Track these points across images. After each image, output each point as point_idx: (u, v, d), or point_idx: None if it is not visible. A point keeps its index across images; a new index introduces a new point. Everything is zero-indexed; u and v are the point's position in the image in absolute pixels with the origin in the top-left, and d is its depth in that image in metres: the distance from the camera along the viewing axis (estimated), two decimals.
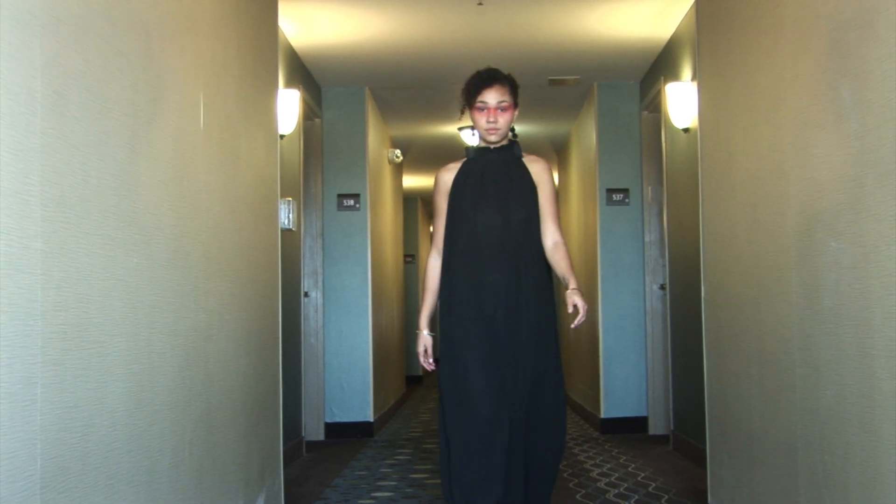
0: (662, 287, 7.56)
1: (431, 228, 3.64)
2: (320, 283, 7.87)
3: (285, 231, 6.48)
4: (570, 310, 3.68)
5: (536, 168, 3.93)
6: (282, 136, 6.40)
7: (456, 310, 3.83)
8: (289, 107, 6.63)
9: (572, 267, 3.87)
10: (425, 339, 3.97)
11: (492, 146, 3.93)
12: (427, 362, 3.97)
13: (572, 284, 3.74)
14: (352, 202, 8.04)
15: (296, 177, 7.06)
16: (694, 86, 5.88)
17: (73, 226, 2.28)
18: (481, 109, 3.84)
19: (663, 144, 7.17)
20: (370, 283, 8.08)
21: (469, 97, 3.88)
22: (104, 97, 2.48)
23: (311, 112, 7.66)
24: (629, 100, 8.07)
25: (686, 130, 6.49)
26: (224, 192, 3.67)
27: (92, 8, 2.42)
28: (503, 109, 3.85)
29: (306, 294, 7.70)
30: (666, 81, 6.88)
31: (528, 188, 3.89)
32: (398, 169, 11.21)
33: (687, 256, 6.37)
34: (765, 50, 3.63)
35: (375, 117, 8.77)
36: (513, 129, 3.96)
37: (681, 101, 6.51)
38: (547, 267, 3.88)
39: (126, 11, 2.65)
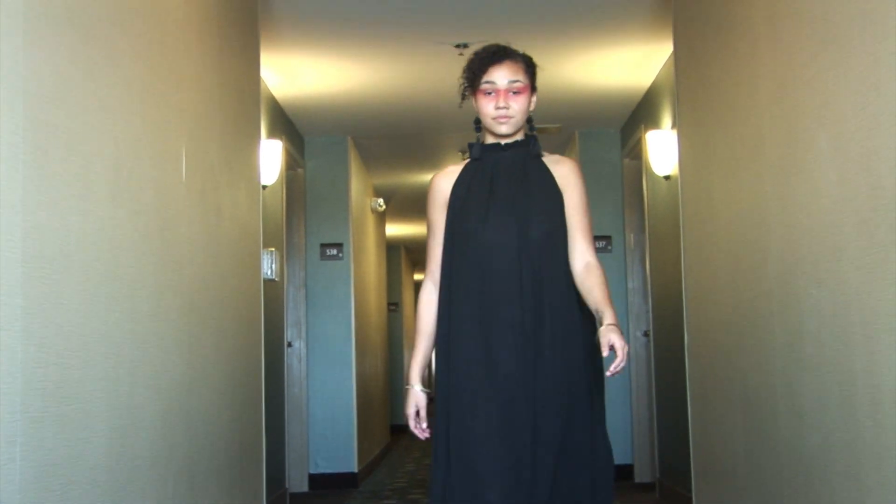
0: (646, 334, 7.57)
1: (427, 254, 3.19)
2: (304, 333, 7.85)
3: (268, 281, 6.46)
4: (606, 352, 2.83)
5: (563, 170, 3.06)
6: (264, 187, 6.41)
7: (458, 364, 2.92)
8: (271, 157, 6.65)
9: (609, 297, 2.95)
10: (417, 396, 3.02)
11: (503, 142, 3.05)
12: (420, 428, 3.01)
13: (608, 319, 2.85)
14: (335, 251, 8.04)
15: (279, 227, 7.06)
16: (674, 133, 5.92)
17: (54, 281, 2.27)
18: (488, 93, 2.99)
19: (645, 191, 7.20)
20: (353, 333, 8.06)
21: (472, 78, 3.04)
22: (86, 152, 2.49)
23: (294, 162, 7.68)
24: (610, 147, 8.12)
25: (667, 178, 6.53)
26: (206, 245, 3.67)
27: (76, 64, 2.43)
28: (517, 92, 3.00)
29: (290, 344, 7.67)
30: (646, 129, 6.94)
31: (552, 195, 3.01)
32: (381, 217, 11.23)
33: (670, 303, 6.38)
34: (743, 98, 3.67)
35: (358, 166, 8.80)
36: (530, 121, 3.08)
37: (661, 149, 6.56)
38: (577, 298, 2.97)
39: (109, 67, 2.66)
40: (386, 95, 6.96)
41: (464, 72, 3.08)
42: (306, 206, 8.01)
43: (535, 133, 3.11)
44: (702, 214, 4.35)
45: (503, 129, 3.01)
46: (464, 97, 3.11)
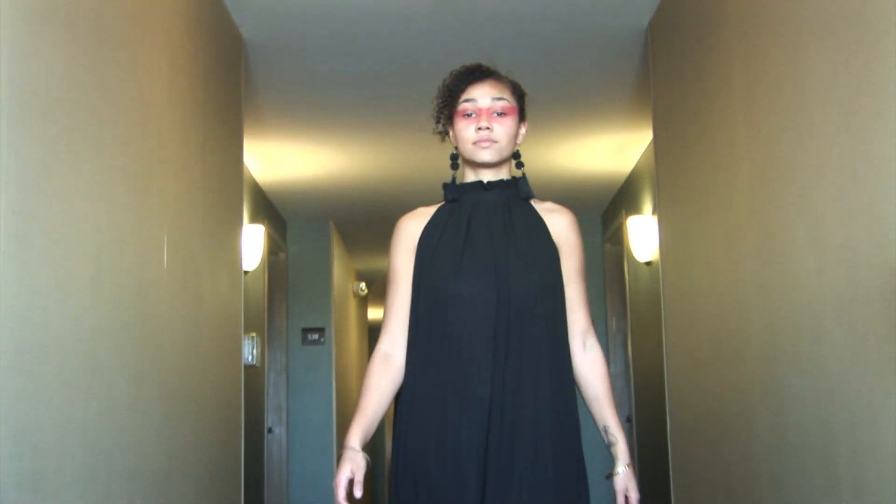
0: (629, 419, 7.53)
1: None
2: (284, 419, 7.78)
3: (249, 367, 6.43)
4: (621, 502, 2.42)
5: (560, 222, 2.56)
6: (246, 272, 6.40)
7: (417, 459, 2.37)
8: (254, 242, 6.66)
9: (614, 404, 2.48)
10: (356, 460, 2.41)
11: (485, 180, 2.53)
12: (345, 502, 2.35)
13: (623, 456, 2.43)
14: (317, 336, 8.01)
15: (260, 311, 7.04)
16: (655, 219, 5.97)
17: (32, 372, 2.25)
18: (467, 114, 2.48)
19: (626, 277, 7.23)
20: (335, 418, 8.00)
21: (448, 99, 2.53)
22: (67, 241, 2.48)
23: (276, 246, 7.68)
24: (592, 232, 8.17)
25: (648, 263, 6.56)
26: (187, 332, 3.65)
27: (59, 155, 2.44)
28: (502, 113, 2.49)
29: (270, 430, 7.60)
30: (627, 215, 6.98)
31: (544, 247, 2.49)
32: (363, 302, 11.21)
33: (652, 389, 6.36)
34: (722, 186, 3.70)
35: (340, 251, 8.81)
36: (518, 157, 2.59)
37: (642, 235, 6.60)
38: (574, 380, 2.47)
39: (93, 157, 2.67)
40: (368, 180, 7.00)
41: (438, 93, 2.58)
42: (288, 290, 8.01)
43: (523, 172, 2.59)
44: (683, 301, 4.36)
45: (485, 156, 2.48)
46: (438, 121, 2.59)
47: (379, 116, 5.79)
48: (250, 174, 6.67)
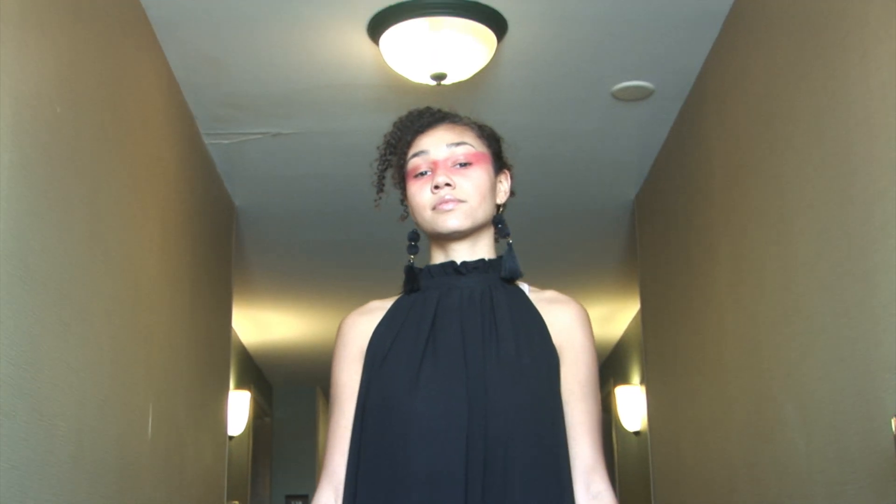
0: None
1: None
2: None
3: None
4: None
5: (564, 316, 1.85)
6: (231, 437, 6.33)
7: None
8: (239, 408, 6.60)
9: None
10: None
11: (458, 261, 1.85)
12: None
13: None
14: (300, 503, 7.87)
15: (244, 477, 6.93)
16: (643, 390, 5.95)
17: None
18: (420, 173, 1.84)
19: (615, 446, 7.16)
20: None
21: (392, 158, 1.93)
22: (50, 413, 2.46)
23: (262, 411, 7.62)
24: None
25: (637, 433, 6.50)
26: None
27: (46, 325, 2.43)
28: (466, 163, 1.83)
29: None
30: (616, 384, 6.96)
31: (538, 348, 1.79)
32: None
33: None
34: (710, 362, 3.71)
35: (327, 417, 8.73)
36: (500, 223, 1.89)
37: (631, 404, 6.56)
38: None
39: (80, 328, 2.67)
40: None
41: (378, 152, 1.94)
42: (273, 455, 7.91)
43: (510, 243, 1.87)
44: (672, 475, 4.31)
45: (452, 223, 1.81)
46: (380, 189, 1.94)
47: (367, 284, 5.80)
48: (238, 338, 6.66)
